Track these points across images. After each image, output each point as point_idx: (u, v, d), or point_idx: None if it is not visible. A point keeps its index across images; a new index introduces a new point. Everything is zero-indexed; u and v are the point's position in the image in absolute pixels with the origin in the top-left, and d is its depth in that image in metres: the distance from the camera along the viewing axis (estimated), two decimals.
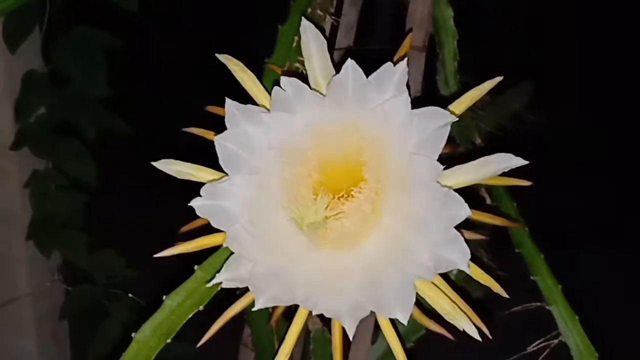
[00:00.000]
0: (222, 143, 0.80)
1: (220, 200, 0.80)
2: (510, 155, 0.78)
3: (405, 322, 0.73)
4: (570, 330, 1.04)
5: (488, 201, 1.23)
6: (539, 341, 1.09)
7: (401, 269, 0.76)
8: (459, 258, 0.74)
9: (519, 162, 0.77)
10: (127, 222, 3.21)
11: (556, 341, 1.05)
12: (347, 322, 0.75)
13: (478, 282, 0.83)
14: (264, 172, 0.82)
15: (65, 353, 2.31)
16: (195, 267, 0.88)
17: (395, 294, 0.75)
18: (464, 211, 0.74)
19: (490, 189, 1.21)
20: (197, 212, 0.80)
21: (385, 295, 0.75)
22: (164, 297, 0.87)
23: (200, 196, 0.79)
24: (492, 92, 0.86)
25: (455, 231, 0.75)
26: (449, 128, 0.76)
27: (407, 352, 0.84)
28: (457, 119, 0.76)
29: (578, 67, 4.61)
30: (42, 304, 2.13)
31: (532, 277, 1.08)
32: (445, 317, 0.79)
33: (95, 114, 2.02)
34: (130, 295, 1.95)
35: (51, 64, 2.02)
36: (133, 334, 0.85)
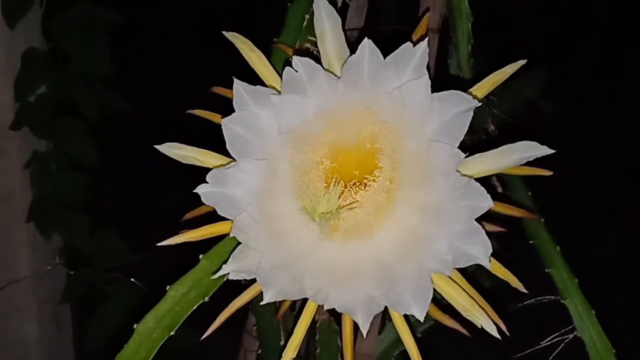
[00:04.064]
0: (229, 126, 0.76)
1: (226, 187, 0.76)
2: (535, 144, 0.74)
3: (422, 319, 0.69)
4: (586, 325, 1.01)
5: (499, 190, 1.19)
6: (553, 335, 1.06)
7: (417, 262, 0.72)
8: (480, 252, 0.70)
9: (545, 150, 0.73)
10: (129, 205, 3.17)
11: (571, 336, 1.01)
12: (360, 317, 0.71)
13: (488, 272, 0.79)
14: (273, 157, 0.77)
15: (67, 336, 2.28)
16: (200, 256, 0.85)
17: (412, 289, 0.71)
18: (486, 202, 0.69)
19: (502, 177, 1.16)
20: (203, 200, 0.75)
21: (401, 290, 0.71)
22: (168, 287, 0.83)
23: (206, 182, 0.75)
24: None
25: (476, 223, 0.70)
26: (471, 114, 0.72)
27: (416, 343, 0.80)
28: (480, 103, 0.72)
29: (594, 54, 4.51)
30: (43, 287, 2.11)
31: (546, 270, 1.04)
32: (463, 314, 0.75)
33: (96, 94, 1.97)
34: (132, 279, 1.92)
35: (52, 42, 1.97)
36: (135, 325, 0.81)
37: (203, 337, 0.82)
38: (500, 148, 0.76)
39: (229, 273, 0.75)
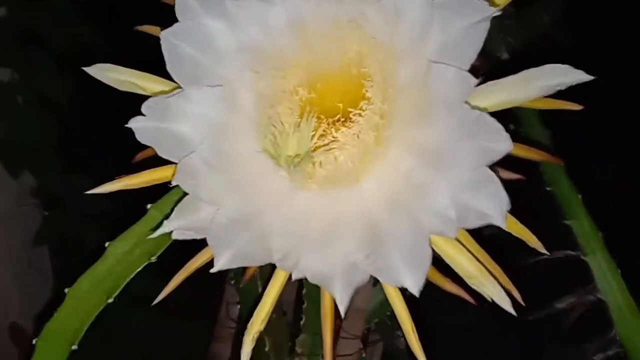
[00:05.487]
0: (170, 41, 0.60)
1: (169, 121, 0.60)
2: (567, 67, 0.57)
3: (416, 293, 0.54)
4: (610, 286, 0.90)
5: (511, 126, 1.04)
6: (570, 296, 0.94)
7: (412, 219, 0.57)
8: (493, 208, 0.54)
9: (581, 76, 0.56)
10: (104, 146, 3.02)
11: (592, 297, 0.91)
12: (338, 289, 0.56)
13: None
14: (230, 84, 0.62)
15: (47, 281, 2.19)
16: (148, 205, 0.69)
17: (404, 253, 0.56)
18: (504, 144, 0.53)
19: (514, 111, 1.01)
20: (138, 137, 0.59)
21: (390, 253, 0.56)
22: (107, 244, 0.68)
23: (142, 115, 0.59)
24: (519, 3, 0.65)
25: (489, 171, 0.54)
26: (487, 26, 0.55)
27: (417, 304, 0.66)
28: (499, 12, 0.54)
29: None
30: (15, 230, 1.99)
31: (565, 222, 0.92)
32: (469, 283, 0.60)
33: (65, 21, 1.79)
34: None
35: None
36: (66, 290, 0.67)
37: (155, 301, 0.68)
38: (522, 73, 0.59)
39: (172, 231, 0.59)
